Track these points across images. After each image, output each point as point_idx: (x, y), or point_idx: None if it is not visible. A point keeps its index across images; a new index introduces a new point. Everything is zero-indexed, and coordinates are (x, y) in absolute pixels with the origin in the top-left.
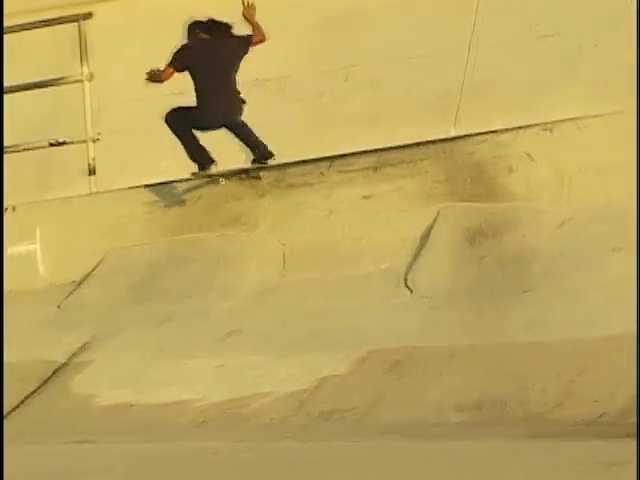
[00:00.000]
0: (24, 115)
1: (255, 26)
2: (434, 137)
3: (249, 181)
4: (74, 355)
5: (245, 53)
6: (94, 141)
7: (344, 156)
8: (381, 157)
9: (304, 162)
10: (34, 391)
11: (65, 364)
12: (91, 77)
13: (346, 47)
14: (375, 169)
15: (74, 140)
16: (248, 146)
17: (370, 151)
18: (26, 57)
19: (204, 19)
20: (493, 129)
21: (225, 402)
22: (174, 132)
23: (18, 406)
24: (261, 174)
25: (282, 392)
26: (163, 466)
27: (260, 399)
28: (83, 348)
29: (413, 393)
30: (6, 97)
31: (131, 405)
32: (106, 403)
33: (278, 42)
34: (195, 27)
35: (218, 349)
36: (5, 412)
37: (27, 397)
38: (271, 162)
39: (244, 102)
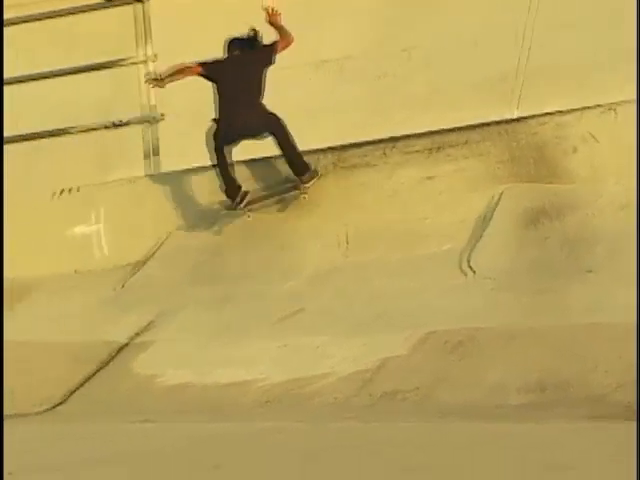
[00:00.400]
0: (87, 97)
1: (281, 31)
2: (496, 118)
3: (312, 161)
4: (136, 335)
5: (271, 62)
6: (157, 122)
7: (406, 137)
8: (443, 138)
9: (366, 143)
10: (97, 371)
11: (127, 344)
12: (155, 58)
13: (408, 28)
14: (437, 150)
15: (137, 121)
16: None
17: (432, 132)
18: (89, 39)
19: (241, 35)
20: (556, 110)
21: (288, 382)
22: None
23: (81, 386)
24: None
25: (344, 372)
26: (226, 446)
27: (323, 379)
28: (145, 328)
29: (474, 374)
30: (70, 78)
31: (193, 385)
32: (168, 383)
33: (339, 23)
34: (232, 44)
35: (281, 329)
36: (68, 392)
37: (90, 377)
38: (332, 144)
39: (272, 114)
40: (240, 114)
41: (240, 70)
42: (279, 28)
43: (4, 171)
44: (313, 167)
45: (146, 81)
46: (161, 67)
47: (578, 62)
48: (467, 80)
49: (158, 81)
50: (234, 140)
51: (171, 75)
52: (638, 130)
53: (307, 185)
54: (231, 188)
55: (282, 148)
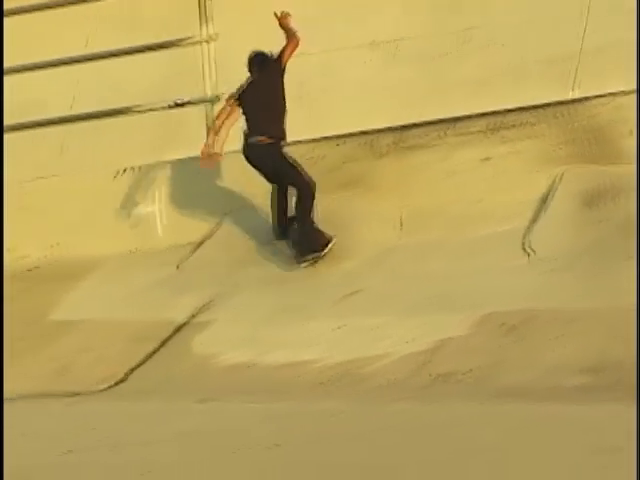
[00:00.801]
0: (148, 77)
1: (289, 33)
2: (554, 100)
3: (369, 142)
4: (195, 315)
5: (283, 70)
6: (215, 102)
7: (463, 118)
8: (499, 120)
9: (424, 124)
10: (157, 350)
11: (186, 323)
12: (215, 38)
13: (465, 9)
14: (494, 131)
15: (197, 101)
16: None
17: (489, 113)
18: (151, 19)
19: (254, 55)
20: (614, 91)
21: (345, 363)
22: None
23: (141, 364)
24: None
25: (401, 353)
26: (284, 426)
27: (379, 360)
28: (204, 308)
29: (531, 356)
30: (132, 58)
31: (251, 365)
32: (227, 363)
33: (395, 4)
34: (251, 63)
35: (338, 310)
36: (128, 370)
37: (150, 356)
38: (390, 124)
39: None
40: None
41: (258, 91)
42: (287, 30)
43: (72, 150)
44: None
45: (202, 160)
46: (221, 47)
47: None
48: (525, 61)
49: (214, 155)
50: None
51: (219, 134)
52: (638, 130)
53: (303, 265)
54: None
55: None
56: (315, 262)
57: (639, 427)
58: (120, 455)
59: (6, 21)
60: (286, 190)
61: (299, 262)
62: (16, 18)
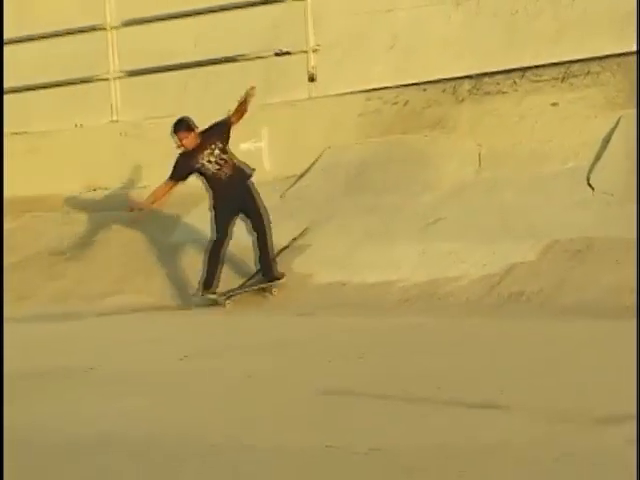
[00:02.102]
0: (253, 28)
1: (242, 105)
2: (615, 52)
3: (450, 89)
4: (295, 239)
5: (228, 135)
6: (314, 51)
7: (533, 68)
8: (568, 69)
9: (498, 72)
10: (258, 272)
11: (287, 247)
12: None
13: None
14: (562, 79)
15: (296, 50)
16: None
17: (558, 63)
18: None
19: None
20: None
21: (426, 283)
22: None
23: (241, 287)
24: None
25: (476, 275)
26: (370, 338)
27: (456, 281)
28: (302, 233)
29: (592, 278)
30: (242, 11)
31: (343, 284)
32: (322, 281)
33: None
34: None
35: (420, 236)
36: (225, 294)
37: (253, 276)
38: (468, 72)
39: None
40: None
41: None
42: (243, 103)
43: (192, 91)
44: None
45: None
46: (318, 3)
47: None
48: (590, 16)
49: (141, 214)
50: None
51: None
52: (638, 132)
53: (274, 287)
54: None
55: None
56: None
57: (639, 425)
58: (226, 360)
59: None
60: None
61: (271, 281)
62: None
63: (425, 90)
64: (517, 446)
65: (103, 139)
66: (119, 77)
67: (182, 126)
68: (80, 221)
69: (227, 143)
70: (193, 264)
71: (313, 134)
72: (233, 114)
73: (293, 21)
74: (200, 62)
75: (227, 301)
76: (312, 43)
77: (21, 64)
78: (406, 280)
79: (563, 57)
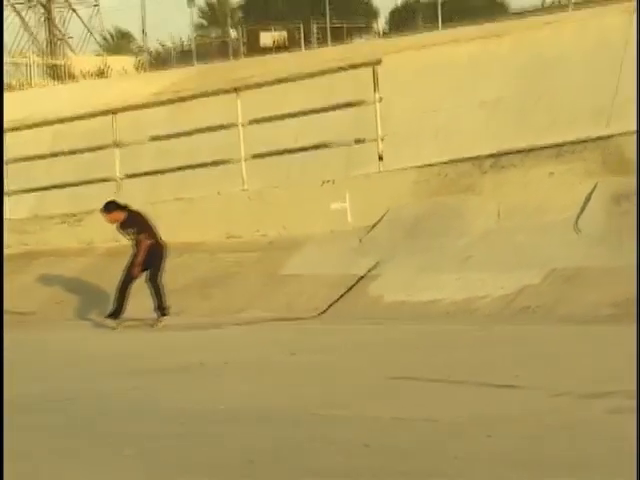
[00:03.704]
0: (340, 123)
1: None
2: (594, 136)
3: (477, 164)
4: (369, 271)
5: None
6: (382, 139)
7: (536, 149)
8: (560, 148)
9: (511, 152)
10: (345, 292)
11: (364, 276)
12: (380, 100)
13: (536, 78)
14: (556, 156)
15: (370, 139)
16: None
17: (553, 145)
18: (334, 88)
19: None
20: (634, 130)
21: (462, 301)
22: None
23: (336, 302)
24: None
25: (497, 295)
26: (425, 339)
27: (483, 299)
28: (375, 266)
29: (579, 296)
30: (331, 113)
31: (405, 302)
32: (389, 300)
33: (494, 79)
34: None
35: (457, 268)
36: (328, 305)
37: (341, 296)
38: (491, 152)
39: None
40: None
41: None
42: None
43: (294, 169)
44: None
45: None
46: (384, 107)
47: None
48: (577, 111)
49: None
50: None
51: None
52: (638, 137)
53: (161, 321)
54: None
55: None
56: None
57: (639, 424)
58: (323, 356)
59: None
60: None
61: (159, 317)
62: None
63: (459, 165)
64: (529, 416)
65: (236, 202)
66: (247, 159)
67: (111, 206)
68: (221, 259)
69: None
70: (300, 289)
71: (382, 197)
72: (141, 241)
73: (367, 118)
74: (302, 147)
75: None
76: (380, 133)
77: (177, 151)
78: (448, 299)
79: (557, 140)
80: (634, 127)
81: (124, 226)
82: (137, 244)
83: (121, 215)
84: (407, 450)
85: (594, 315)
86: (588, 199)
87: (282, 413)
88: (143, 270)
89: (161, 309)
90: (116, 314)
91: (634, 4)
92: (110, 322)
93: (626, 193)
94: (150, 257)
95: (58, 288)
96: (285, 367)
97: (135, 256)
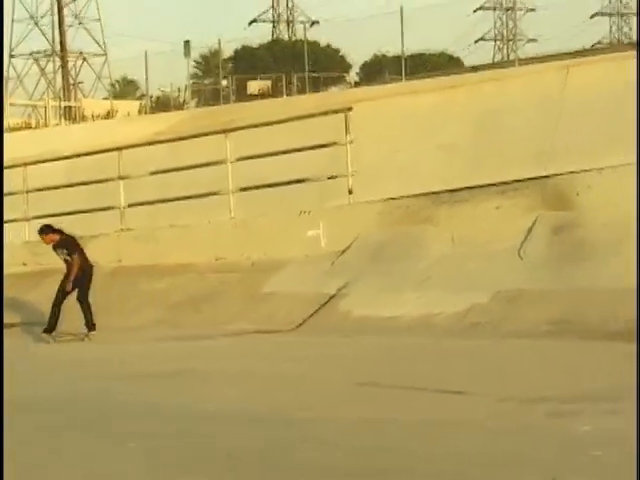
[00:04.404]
0: (314, 162)
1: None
2: (534, 175)
3: (435, 198)
4: (339, 290)
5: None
6: (352, 175)
7: (485, 186)
8: (506, 186)
9: (464, 189)
10: (318, 309)
11: (334, 295)
12: (351, 142)
13: (489, 124)
14: (502, 193)
15: (341, 175)
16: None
17: (499, 183)
18: (311, 131)
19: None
20: (569, 171)
21: (420, 317)
22: None
23: (310, 317)
24: None
25: (451, 312)
26: (387, 350)
27: (439, 316)
28: (344, 286)
29: (522, 314)
30: (307, 152)
31: (370, 317)
32: (356, 316)
33: (450, 126)
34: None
35: (417, 288)
36: (303, 320)
37: (315, 312)
38: (447, 188)
39: None
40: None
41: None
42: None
43: (273, 202)
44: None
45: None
46: (355, 147)
47: (588, 141)
48: (519, 155)
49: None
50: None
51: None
52: (638, 138)
53: (90, 335)
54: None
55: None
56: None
57: (639, 425)
58: (298, 364)
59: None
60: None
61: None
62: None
63: (419, 199)
64: (478, 419)
65: (224, 229)
66: (234, 192)
67: (47, 229)
68: (210, 279)
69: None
70: (279, 305)
71: (351, 226)
72: (74, 261)
73: (339, 157)
74: (282, 182)
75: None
76: (350, 170)
77: (174, 184)
78: (408, 315)
79: (503, 179)
80: (569, 169)
81: (58, 247)
82: (69, 264)
83: (55, 237)
84: (373, 449)
85: (534, 331)
86: (530, 230)
87: (264, 415)
88: (74, 288)
89: (89, 325)
90: (50, 329)
91: (567, 62)
92: (46, 336)
93: (563, 225)
94: (80, 277)
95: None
96: (266, 374)
97: (68, 274)
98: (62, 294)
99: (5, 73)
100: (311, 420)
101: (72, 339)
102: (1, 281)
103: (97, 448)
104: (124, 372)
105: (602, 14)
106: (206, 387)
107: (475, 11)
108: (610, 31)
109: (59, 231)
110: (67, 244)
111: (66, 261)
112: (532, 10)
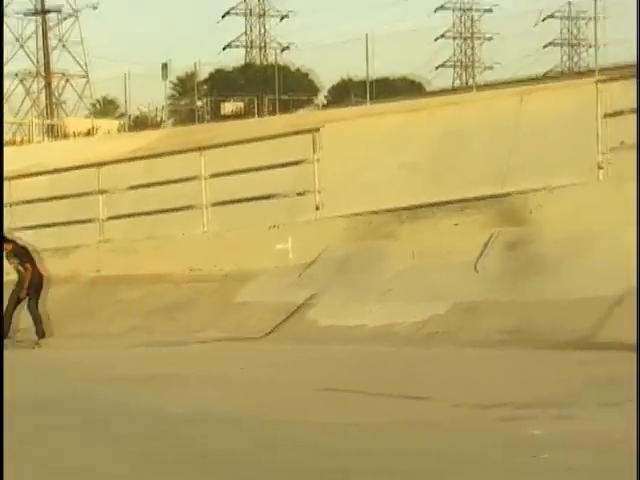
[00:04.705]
0: (283, 179)
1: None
2: (491, 193)
3: (396, 215)
4: (306, 300)
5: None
6: (319, 192)
7: (444, 203)
8: (465, 204)
9: (425, 205)
10: (287, 318)
11: (302, 304)
12: (318, 160)
13: (451, 146)
14: (461, 210)
15: (308, 191)
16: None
17: (458, 200)
18: (281, 150)
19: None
20: (523, 190)
21: (382, 326)
22: None
23: (279, 325)
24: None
25: (410, 322)
26: (350, 357)
27: (400, 325)
28: (311, 297)
29: (478, 324)
30: (277, 170)
31: (335, 326)
32: (322, 325)
33: (412, 146)
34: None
35: (379, 299)
36: (273, 328)
37: (283, 321)
38: (408, 205)
39: None
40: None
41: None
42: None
43: (247, 217)
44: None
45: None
46: (322, 165)
47: (536, 163)
48: (478, 177)
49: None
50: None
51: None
52: (638, 138)
53: (40, 342)
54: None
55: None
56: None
57: (639, 426)
58: (268, 370)
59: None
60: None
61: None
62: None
63: (382, 216)
64: (435, 422)
65: (198, 242)
66: (208, 206)
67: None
68: (184, 288)
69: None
70: (250, 314)
71: (318, 240)
72: (26, 269)
73: (307, 175)
74: (253, 197)
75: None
76: (318, 187)
77: (150, 199)
78: (371, 324)
79: (462, 197)
80: (523, 188)
81: (10, 256)
82: (22, 272)
83: (9, 247)
84: (336, 449)
85: (489, 341)
86: (486, 245)
87: (236, 418)
88: (26, 296)
89: (39, 332)
90: (4, 335)
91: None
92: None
93: (517, 241)
94: (32, 286)
95: (48, 307)
96: (238, 379)
97: (22, 282)
98: (15, 301)
99: None
100: (282, 423)
101: (24, 345)
102: (1, 281)
103: (76, 446)
104: (102, 376)
105: (554, 44)
106: (181, 391)
107: (437, 39)
108: (561, 60)
109: (12, 241)
110: (20, 254)
111: (18, 270)
112: (490, 39)
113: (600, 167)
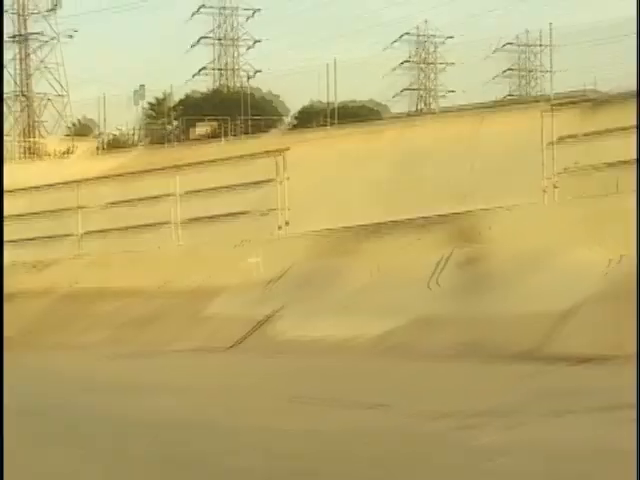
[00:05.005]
0: (251, 198)
1: None
2: (451, 212)
3: (358, 232)
4: (273, 313)
5: None
6: (288, 209)
7: (405, 221)
8: (426, 221)
9: (386, 223)
10: (254, 329)
11: (269, 317)
12: (287, 179)
13: (415, 165)
14: (423, 226)
15: (277, 209)
16: None
17: (419, 218)
18: (251, 169)
19: None
20: (480, 208)
21: (343, 340)
22: None
23: (247, 336)
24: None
25: (370, 335)
26: (310, 369)
27: (359, 339)
28: (277, 310)
29: (432, 339)
30: (244, 188)
31: (297, 340)
32: (288, 337)
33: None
34: None
35: (340, 313)
36: (244, 338)
37: (250, 332)
38: (370, 222)
39: None
40: None
41: None
42: None
43: (204, 236)
44: None
45: None
46: (289, 185)
47: (495, 184)
48: (438, 192)
49: None
50: None
51: None
52: (638, 137)
53: None
54: None
55: None
56: None
57: (639, 426)
58: (235, 379)
59: None
60: None
61: None
62: None
63: (345, 233)
64: (391, 429)
65: (172, 256)
66: (181, 222)
67: None
68: (155, 303)
69: None
70: (219, 326)
71: (286, 256)
72: None
73: (274, 194)
74: (225, 214)
75: None
76: (286, 205)
77: (127, 215)
78: (333, 337)
79: (424, 214)
80: (480, 207)
81: None
82: None
83: None
84: (299, 454)
85: (444, 354)
86: (446, 261)
87: (202, 424)
88: None
89: None
90: None
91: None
92: None
93: (473, 257)
94: None
95: (26, 319)
96: (205, 387)
97: None
98: None
99: None
100: (249, 429)
101: None
102: (1, 282)
103: (43, 451)
104: (75, 386)
105: (512, 70)
106: (151, 399)
107: (402, 63)
108: (519, 85)
109: None
110: None
111: None
112: (452, 64)
113: (544, 191)
